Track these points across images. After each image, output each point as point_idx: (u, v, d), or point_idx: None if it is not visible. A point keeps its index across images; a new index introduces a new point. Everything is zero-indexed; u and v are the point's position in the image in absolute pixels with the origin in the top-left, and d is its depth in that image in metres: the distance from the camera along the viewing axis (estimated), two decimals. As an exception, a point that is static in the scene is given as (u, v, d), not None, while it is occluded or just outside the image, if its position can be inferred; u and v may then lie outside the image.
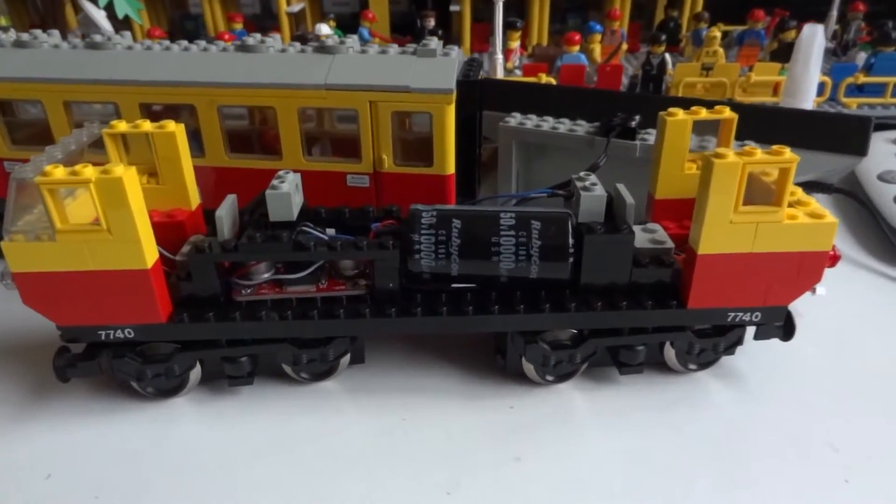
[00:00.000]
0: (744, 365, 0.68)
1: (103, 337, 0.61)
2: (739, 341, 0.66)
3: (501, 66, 1.28)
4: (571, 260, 0.60)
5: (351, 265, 0.64)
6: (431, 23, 1.53)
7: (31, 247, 0.56)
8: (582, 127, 0.91)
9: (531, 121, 0.92)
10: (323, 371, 0.67)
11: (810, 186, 0.94)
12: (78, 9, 1.49)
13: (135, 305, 0.60)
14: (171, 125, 0.64)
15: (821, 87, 1.22)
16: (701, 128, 0.74)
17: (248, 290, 0.63)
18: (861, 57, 1.50)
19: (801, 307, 0.64)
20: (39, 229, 0.57)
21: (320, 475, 0.57)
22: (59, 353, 0.62)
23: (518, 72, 1.37)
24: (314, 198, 0.69)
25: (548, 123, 0.92)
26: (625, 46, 1.52)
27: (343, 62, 0.76)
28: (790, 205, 0.59)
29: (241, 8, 1.90)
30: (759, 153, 0.55)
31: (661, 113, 0.66)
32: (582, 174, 0.65)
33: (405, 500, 0.55)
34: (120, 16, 1.12)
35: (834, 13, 1.63)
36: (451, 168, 0.77)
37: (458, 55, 0.77)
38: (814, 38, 1.10)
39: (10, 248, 0.56)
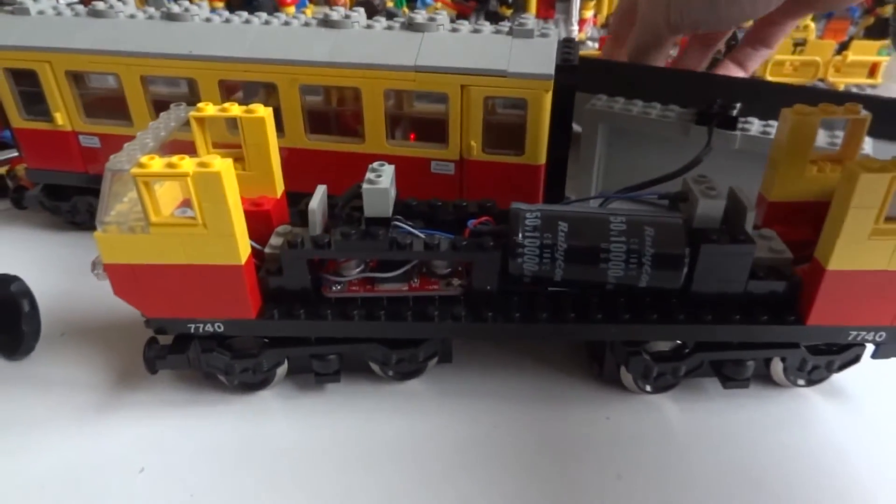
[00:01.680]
0: (855, 383, 0.64)
1: (192, 330, 0.60)
2: (857, 360, 0.62)
3: (575, 37, 1.21)
4: (685, 269, 0.56)
5: (444, 263, 0.61)
6: (498, -13, 1.45)
7: (124, 239, 0.54)
8: (674, 112, 0.85)
9: (618, 103, 0.87)
10: (411, 371, 0.65)
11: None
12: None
13: (226, 300, 0.58)
14: (260, 109, 0.61)
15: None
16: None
17: (339, 287, 0.60)
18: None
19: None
20: (132, 221, 0.55)
21: (411, 483, 0.56)
22: (149, 344, 0.61)
23: (591, 43, 1.30)
24: (397, 183, 0.65)
25: (637, 107, 0.86)
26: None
27: (433, 42, 0.71)
28: (935, 220, 0.54)
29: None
30: (910, 164, 0.50)
31: (786, 109, 0.60)
32: (697, 176, 0.60)
33: (504, 517, 0.53)
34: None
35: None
36: (542, 158, 0.73)
37: (555, 35, 0.72)
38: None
39: (103, 239, 0.54)
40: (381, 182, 0.58)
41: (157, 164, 0.52)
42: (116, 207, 0.56)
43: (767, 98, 0.84)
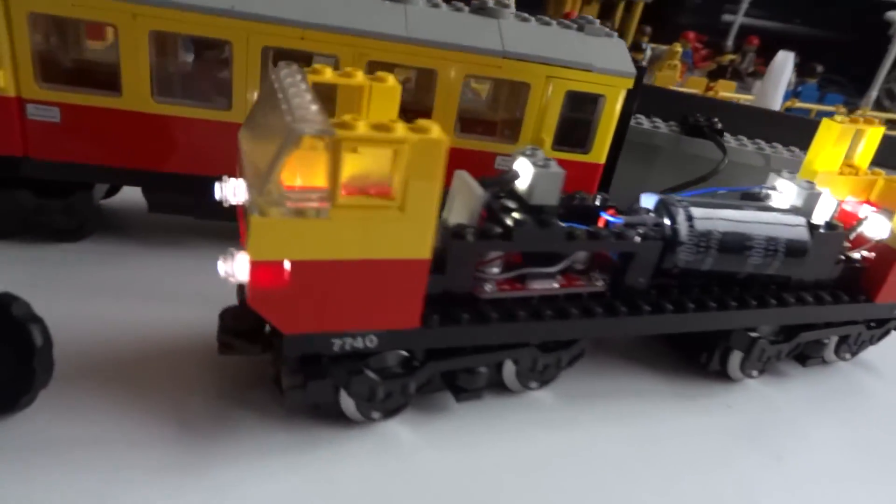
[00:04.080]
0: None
1: (336, 347, 0.47)
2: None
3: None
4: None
5: (583, 259, 0.57)
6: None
7: (290, 226, 0.41)
8: (663, 124, 0.93)
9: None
10: (550, 378, 0.59)
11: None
12: None
13: (390, 306, 0.47)
14: (390, 79, 0.51)
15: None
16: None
17: (491, 287, 0.53)
18: (757, 85, 1.73)
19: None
20: (299, 201, 0.41)
21: (588, 490, 0.51)
22: (290, 372, 0.46)
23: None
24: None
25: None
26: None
27: (512, 29, 0.67)
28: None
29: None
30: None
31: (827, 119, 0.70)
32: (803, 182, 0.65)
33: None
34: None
35: (730, 43, 1.86)
36: (604, 157, 0.73)
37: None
38: (786, 62, 1.25)
39: (262, 226, 0.40)
40: (553, 166, 0.53)
41: (363, 127, 0.40)
42: (270, 186, 0.42)
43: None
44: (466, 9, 0.68)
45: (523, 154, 0.54)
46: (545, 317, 0.53)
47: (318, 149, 0.40)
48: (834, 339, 0.70)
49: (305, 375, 0.46)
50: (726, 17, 2.06)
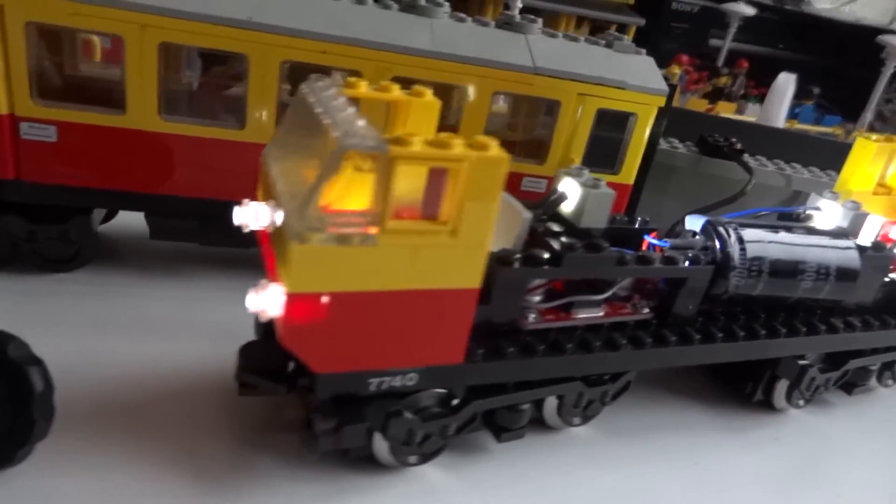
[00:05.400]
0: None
1: (373, 387, 0.42)
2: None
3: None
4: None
5: (627, 284, 0.54)
6: None
7: (332, 254, 0.36)
8: (681, 145, 0.90)
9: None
10: (592, 414, 0.55)
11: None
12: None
13: (434, 339, 0.42)
14: (427, 94, 0.47)
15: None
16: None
17: (534, 316, 0.49)
18: (754, 108, 1.73)
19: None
20: (342, 227, 0.37)
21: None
22: (318, 417, 0.41)
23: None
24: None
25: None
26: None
27: (541, 44, 0.64)
28: None
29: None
30: None
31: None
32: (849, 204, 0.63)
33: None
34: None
35: (725, 67, 1.86)
36: (633, 177, 0.70)
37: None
38: (788, 84, 1.24)
39: (303, 254, 0.36)
40: (602, 186, 0.49)
41: (419, 144, 0.36)
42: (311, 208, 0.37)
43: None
44: (492, 24, 0.65)
45: (568, 174, 0.51)
46: (594, 348, 0.49)
47: (366, 168, 0.36)
48: (877, 365, 0.68)
49: (340, 419, 0.42)
50: (714, 42, 2.09)
